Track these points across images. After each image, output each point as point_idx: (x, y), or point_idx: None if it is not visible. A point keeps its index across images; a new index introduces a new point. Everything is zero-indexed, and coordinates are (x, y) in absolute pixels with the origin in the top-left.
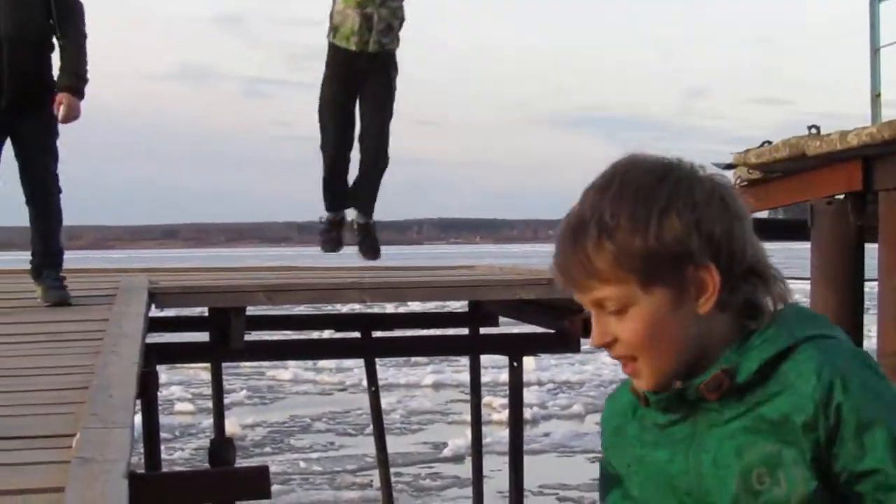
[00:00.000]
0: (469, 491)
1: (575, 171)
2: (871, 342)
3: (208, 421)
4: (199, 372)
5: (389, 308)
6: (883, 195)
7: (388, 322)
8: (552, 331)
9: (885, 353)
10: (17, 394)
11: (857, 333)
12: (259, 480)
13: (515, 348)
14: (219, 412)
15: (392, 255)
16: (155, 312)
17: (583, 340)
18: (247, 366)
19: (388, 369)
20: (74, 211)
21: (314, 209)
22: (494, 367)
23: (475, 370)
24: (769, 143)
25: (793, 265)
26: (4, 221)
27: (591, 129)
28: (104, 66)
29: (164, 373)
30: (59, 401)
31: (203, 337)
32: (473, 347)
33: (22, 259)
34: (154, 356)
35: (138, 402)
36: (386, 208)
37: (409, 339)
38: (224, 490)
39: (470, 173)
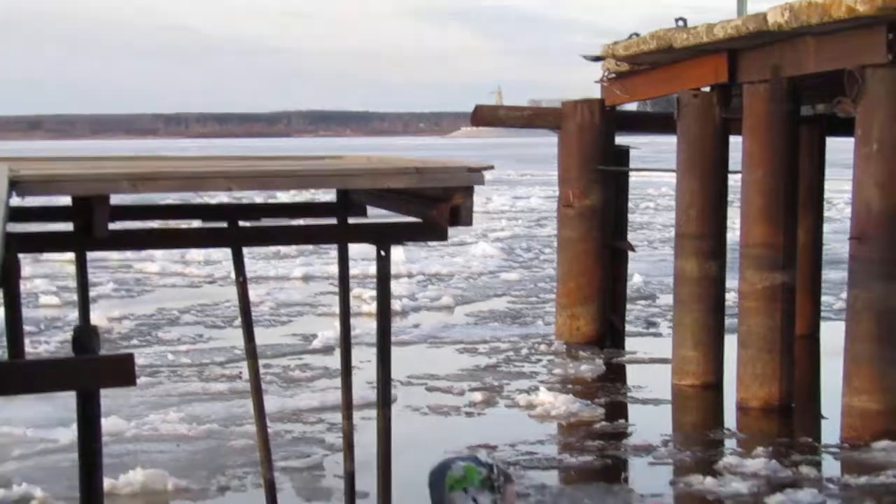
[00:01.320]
0: (338, 381)
1: (445, 64)
2: (734, 234)
3: (74, 314)
4: (65, 265)
5: (257, 199)
6: (748, 87)
7: (256, 212)
8: (420, 220)
9: (748, 245)
10: None
11: (721, 226)
12: (124, 367)
13: (383, 237)
14: (84, 303)
15: (260, 146)
16: (17, 202)
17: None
18: (114, 259)
19: (256, 262)
20: None
21: (182, 101)
22: (364, 260)
23: (343, 261)
24: (637, 35)
25: (660, 158)
26: None
27: (460, 22)
28: None
29: (28, 266)
30: None
31: (67, 227)
32: (341, 236)
33: None
34: (15, 245)
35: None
36: (254, 100)
37: (277, 227)
38: (89, 377)
39: (340, 65)
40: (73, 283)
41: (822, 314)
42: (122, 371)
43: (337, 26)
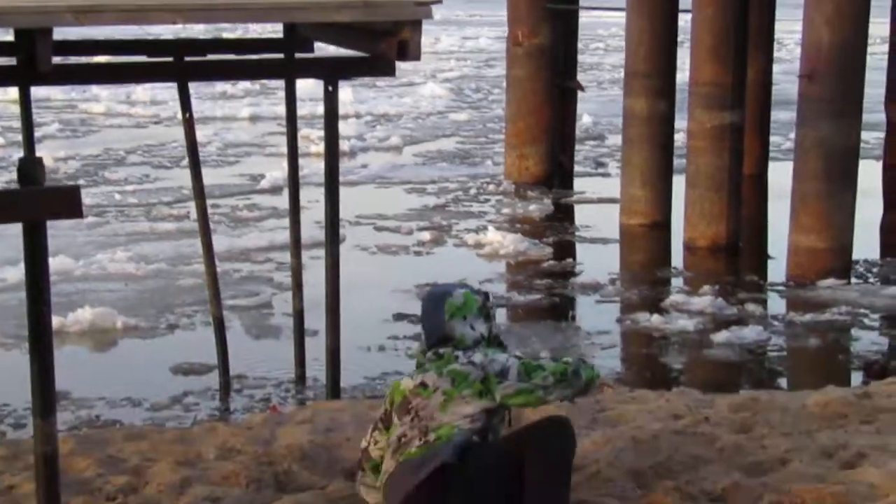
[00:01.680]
0: (286, 221)
1: None
2: (684, 75)
3: (19, 154)
4: (8, 106)
5: (204, 34)
6: None
7: (202, 47)
8: (368, 54)
9: (697, 83)
10: None
11: (670, 65)
12: (70, 199)
13: (330, 71)
14: (29, 139)
15: None
16: None
17: (398, 63)
18: (58, 99)
19: (203, 102)
20: None
21: None
22: (311, 101)
23: (291, 99)
24: None
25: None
26: None
27: None
28: None
29: None
30: None
31: (10, 62)
32: (288, 70)
33: None
34: None
35: None
36: None
37: (223, 62)
38: (35, 208)
39: None
40: (17, 124)
41: (771, 154)
42: (68, 203)
43: None
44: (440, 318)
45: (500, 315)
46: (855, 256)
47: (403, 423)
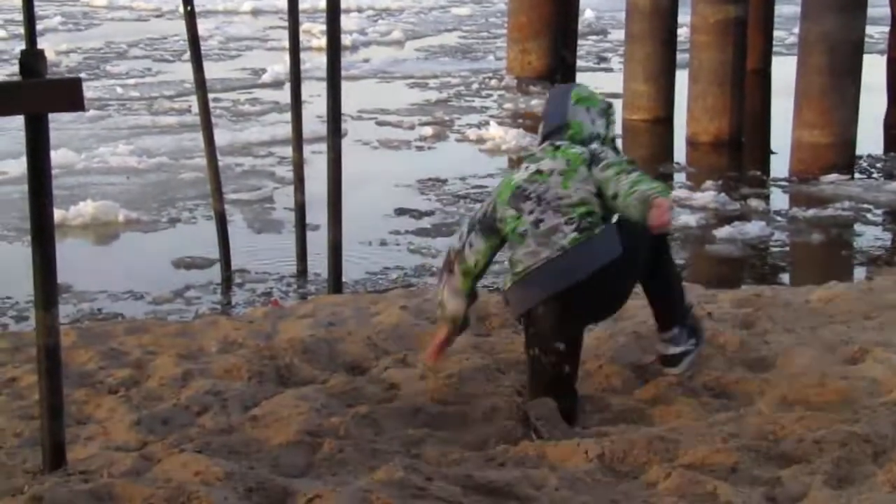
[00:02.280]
0: (288, 115)
1: None
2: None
3: (21, 46)
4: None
5: None
6: None
7: None
8: None
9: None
10: None
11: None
12: (72, 90)
13: None
14: (30, 32)
15: None
16: None
17: None
18: None
19: None
20: None
21: None
22: None
23: None
24: None
25: None
26: None
27: None
28: None
29: None
30: None
31: None
32: None
33: None
34: None
35: None
36: None
37: None
38: (37, 100)
39: None
40: (18, 17)
41: (774, 49)
42: (70, 95)
43: None
44: (566, 103)
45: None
46: (858, 151)
47: (530, 211)
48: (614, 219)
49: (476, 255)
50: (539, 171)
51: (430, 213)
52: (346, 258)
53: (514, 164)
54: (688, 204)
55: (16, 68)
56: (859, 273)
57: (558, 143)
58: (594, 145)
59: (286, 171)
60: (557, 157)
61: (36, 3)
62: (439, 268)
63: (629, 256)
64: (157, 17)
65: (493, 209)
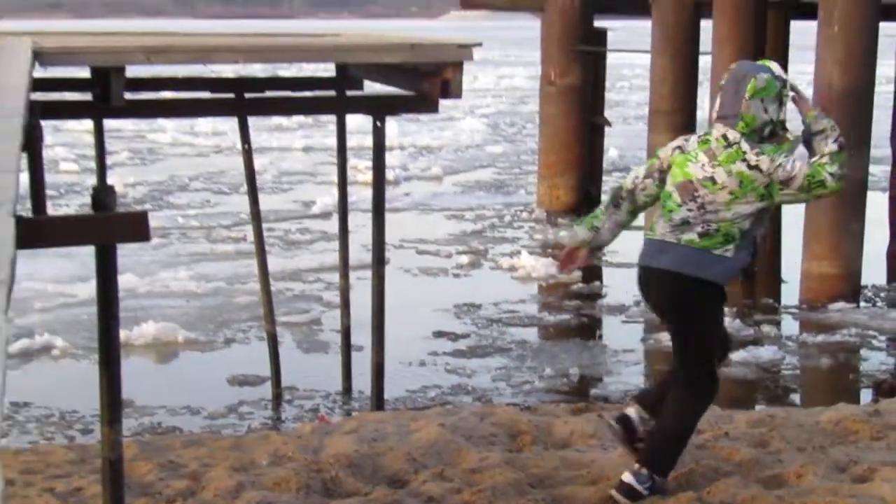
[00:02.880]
0: (335, 244)
1: None
2: (703, 112)
3: (92, 180)
4: (83, 135)
5: (262, 73)
6: None
7: (260, 85)
8: (413, 93)
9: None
10: None
11: (692, 103)
12: (139, 223)
13: (379, 108)
14: (101, 167)
15: (264, 27)
16: (40, 73)
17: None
18: (128, 129)
19: (260, 134)
20: None
21: None
22: (359, 133)
23: (341, 132)
24: None
25: (633, 40)
26: None
27: None
28: None
29: (49, 135)
30: None
31: (86, 97)
32: (340, 106)
33: None
34: (38, 112)
35: (24, 155)
36: None
37: (280, 98)
38: (107, 232)
39: None
40: (91, 152)
41: None
42: (137, 227)
43: None
44: (740, 94)
45: (532, 334)
46: (863, 282)
47: (689, 209)
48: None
49: (646, 198)
50: (713, 180)
51: (465, 336)
52: (387, 377)
53: (678, 133)
54: None
55: (87, 199)
56: (865, 396)
57: (731, 136)
58: (765, 162)
59: (333, 296)
60: (732, 173)
61: (106, 140)
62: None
63: (696, 292)
64: (217, 152)
65: (663, 169)
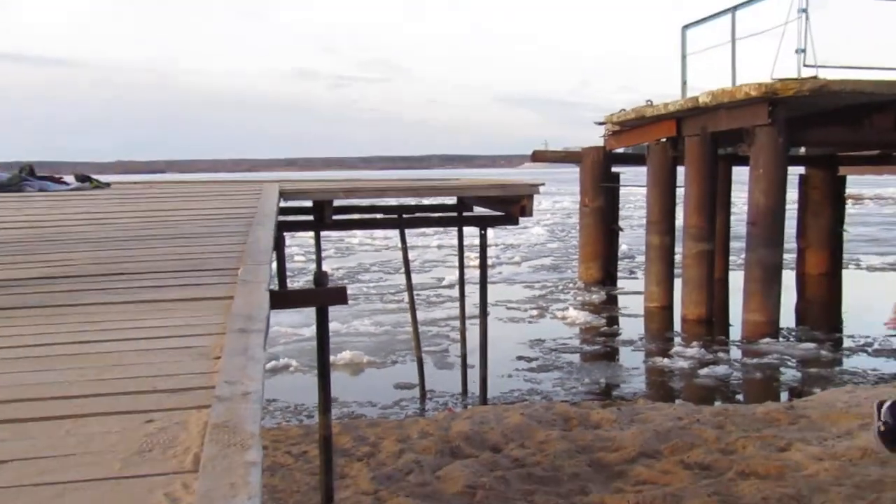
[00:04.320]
0: (457, 304)
1: (515, 128)
2: (680, 221)
3: (312, 266)
4: (307, 239)
5: (413, 202)
6: (687, 138)
7: (413, 210)
8: (503, 213)
9: (688, 227)
10: (206, 247)
11: (671, 218)
12: (341, 294)
13: (482, 223)
14: (318, 259)
15: (414, 175)
16: (283, 204)
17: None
18: (333, 235)
19: (413, 237)
20: (245, 150)
21: (369, 146)
22: (471, 236)
23: (460, 237)
24: (624, 110)
25: (638, 180)
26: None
27: (525, 104)
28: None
29: (288, 240)
30: (229, 251)
31: (309, 218)
32: (459, 222)
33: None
34: (282, 227)
35: (274, 252)
36: (410, 146)
37: (424, 217)
38: (322, 299)
39: (463, 130)
40: (311, 249)
41: (731, 267)
42: (340, 296)
43: (458, 109)
44: None
45: (576, 358)
46: (781, 325)
47: None
48: None
49: None
50: None
51: (535, 359)
52: (489, 385)
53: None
54: (682, 355)
55: (310, 278)
56: (784, 396)
57: None
58: None
59: (455, 335)
60: None
61: (322, 243)
62: None
63: None
64: (386, 249)
65: None
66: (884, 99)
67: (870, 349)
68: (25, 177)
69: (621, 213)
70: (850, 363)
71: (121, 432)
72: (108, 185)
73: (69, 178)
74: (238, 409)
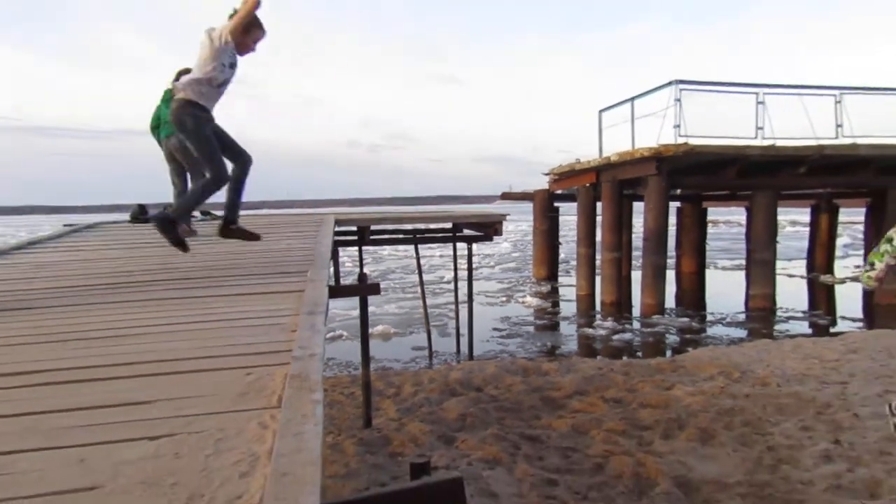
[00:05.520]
0: (452, 294)
1: (491, 177)
2: (598, 238)
3: (357, 269)
4: (353, 252)
5: (422, 226)
6: (603, 184)
7: (423, 231)
8: (483, 233)
9: (605, 241)
10: (286, 256)
11: (593, 236)
12: (376, 288)
13: (469, 240)
14: (361, 265)
15: (423, 209)
16: (336, 227)
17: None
18: (370, 249)
19: (423, 250)
20: (311, 194)
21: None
22: (461, 248)
23: (455, 249)
24: (561, 165)
25: (571, 212)
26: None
27: (493, 162)
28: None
29: (340, 251)
30: (301, 260)
31: (354, 237)
32: (454, 240)
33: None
34: (337, 244)
35: (331, 260)
36: (413, 188)
37: (430, 237)
38: (364, 291)
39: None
40: (355, 257)
41: (632, 268)
42: (375, 289)
43: (452, 164)
44: None
45: (532, 329)
46: (666, 306)
47: None
48: None
49: None
50: None
51: (505, 330)
52: (474, 347)
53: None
54: (601, 326)
55: (355, 278)
56: (669, 354)
57: None
58: None
59: (452, 314)
60: None
61: (364, 255)
62: None
63: None
64: (407, 258)
65: None
66: (728, 157)
67: (724, 322)
68: (167, 212)
69: (561, 233)
70: (711, 331)
71: (228, 382)
72: (220, 216)
73: (196, 213)
74: (308, 365)
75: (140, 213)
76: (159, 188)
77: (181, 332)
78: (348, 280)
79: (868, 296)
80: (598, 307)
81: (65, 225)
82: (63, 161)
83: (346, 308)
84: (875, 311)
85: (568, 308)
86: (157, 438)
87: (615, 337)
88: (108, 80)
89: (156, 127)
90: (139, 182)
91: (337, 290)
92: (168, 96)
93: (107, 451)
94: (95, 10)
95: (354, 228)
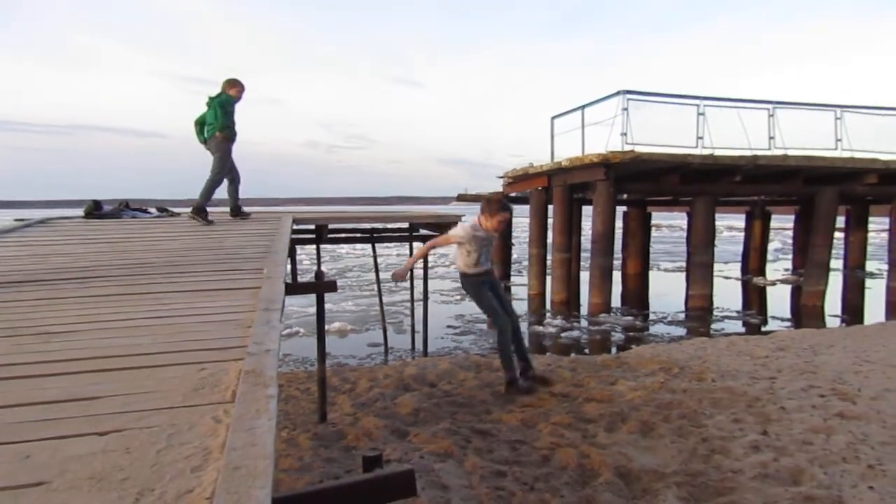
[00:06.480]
0: (409, 292)
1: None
2: (549, 239)
3: (314, 268)
4: (311, 249)
5: (380, 226)
6: (555, 188)
7: (380, 230)
8: (438, 233)
9: (555, 243)
10: (242, 253)
11: (544, 238)
12: (332, 286)
13: (425, 239)
14: (318, 263)
15: (381, 209)
16: (294, 226)
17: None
18: (328, 247)
19: (380, 249)
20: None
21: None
22: (417, 247)
23: (411, 248)
24: (515, 169)
25: (524, 214)
26: None
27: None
28: None
29: (297, 249)
30: (258, 257)
31: (312, 235)
32: (410, 239)
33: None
34: (294, 241)
35: (288, 258)
36: (376, 189)
37: (388, 236)
38: (320, 288)
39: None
40: (313, 256)
41: (581, 268)
42: (331, 287)
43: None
44: None
45: (484, 327)
46: (613, 305)
47: None
48: None
49: None
50: None
51: (459, 327)
52: (429, 343)
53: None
54: (552, 324)
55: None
56: (614, 351)
57: None
58: None
59: (408, 312)
60: None
61: (322, 252)
62: None
63: None
64: (365, 256)
65: None
66: (672, 165)
67: (665, 320)
68: (123, 208)
69: (514, 234)
70: (653, 329)
71: (182, 377)
72: (178, 214)
73: (152, 210)
74: (262, 361)
75: (94, 209)
76: (115, 184)
77: (135, 328)
78: (306, 277)
79: (795, 297)
80: (548, 306)
81: (16, 220)
82: (16, 155)
83: (304, 305)
84: (801, 312)
85: (519, 307)
86: (106, 434)
87: (564, 334)
88: (64, 76)
89: (201, 124)
90: (97, 178)
91: (293, 287)
92: (212, 101)
93: (53, 447)
94: (50, 6)
95: (312, 227)
